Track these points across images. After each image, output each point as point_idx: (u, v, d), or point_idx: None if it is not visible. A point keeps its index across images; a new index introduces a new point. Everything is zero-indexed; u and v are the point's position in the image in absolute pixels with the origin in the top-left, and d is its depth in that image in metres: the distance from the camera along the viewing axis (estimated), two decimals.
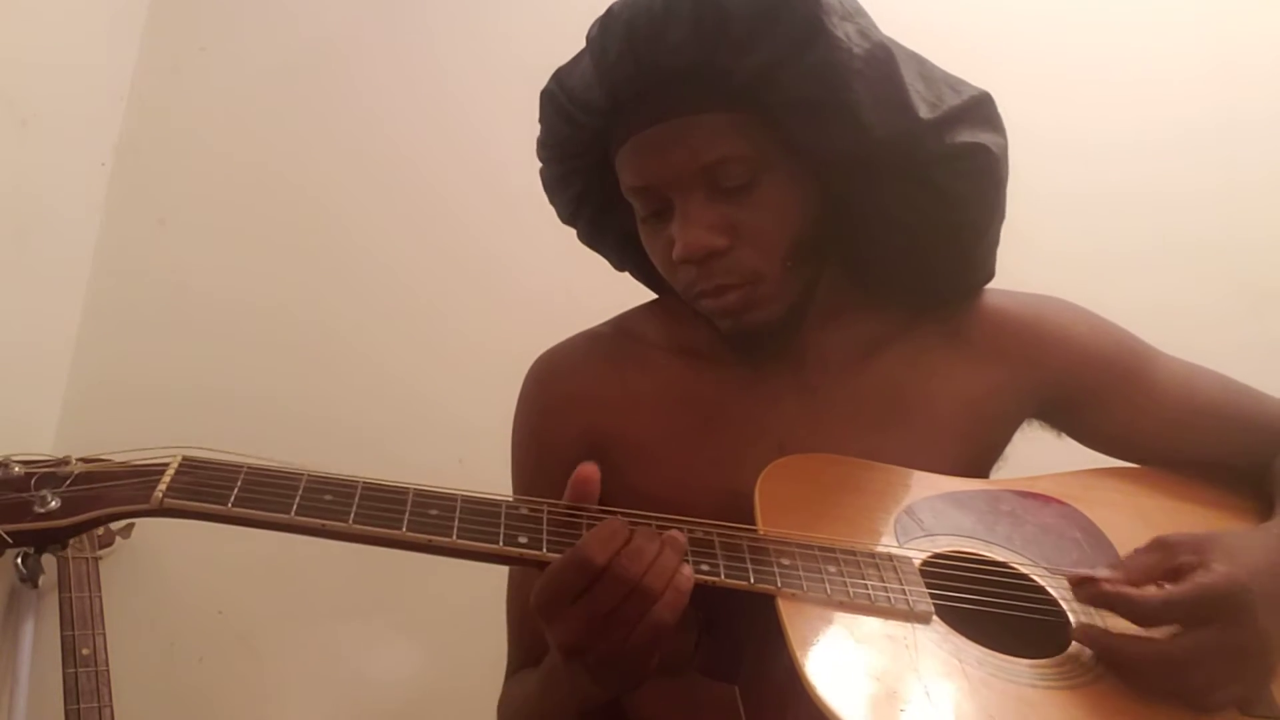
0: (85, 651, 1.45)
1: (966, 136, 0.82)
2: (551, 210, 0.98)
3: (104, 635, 1.49)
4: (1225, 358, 0.96)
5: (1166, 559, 0.73)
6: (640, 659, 0.66)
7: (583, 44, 0.86)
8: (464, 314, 1.80)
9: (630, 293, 1.03)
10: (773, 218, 0.82)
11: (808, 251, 0.84)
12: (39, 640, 1.59)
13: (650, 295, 1.03)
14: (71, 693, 1.42)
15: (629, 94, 0.81)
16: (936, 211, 0.85)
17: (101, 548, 1.57)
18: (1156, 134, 1.78)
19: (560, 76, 0.87)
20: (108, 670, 1.46)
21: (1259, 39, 1.80)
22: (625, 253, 0.98)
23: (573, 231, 1.01)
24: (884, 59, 0.79)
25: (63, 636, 1.46)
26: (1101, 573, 0.73)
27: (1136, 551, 0.76)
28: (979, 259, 0.91)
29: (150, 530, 1.65)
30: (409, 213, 1.84)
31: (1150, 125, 1.78)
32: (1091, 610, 0.75)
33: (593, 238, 0.99)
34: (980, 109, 0.85)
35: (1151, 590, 0.70)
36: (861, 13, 0.82)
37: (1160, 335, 0.96)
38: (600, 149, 0.87)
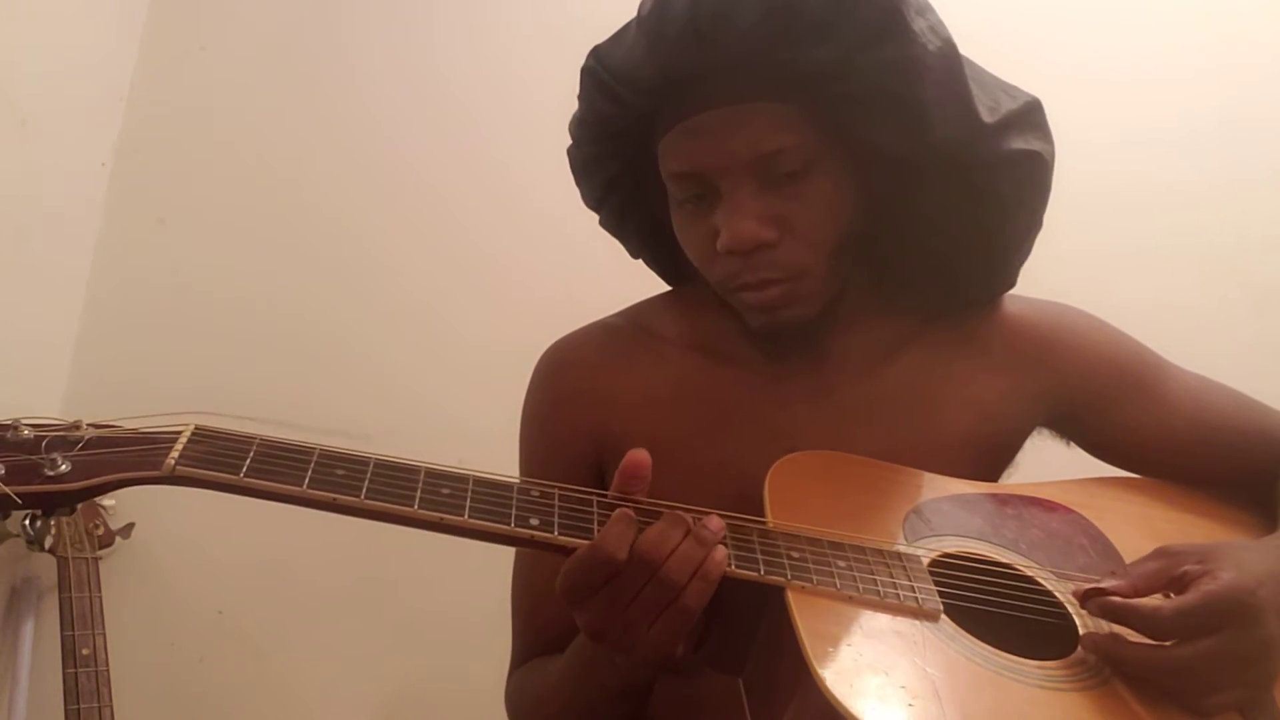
0: (85, 651, 1.45)
1: (1020, 143, 0.81)
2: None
3: (104, 635, 1.48)
4: (1227, 357, 0.96)
5: (1170, 567, 0.72)
6: (665, 642, 0.66)
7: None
8: (464, 314, 1.80)
9: (631, 292, 1.02)
10: (822, 213, 0.80)
11: (849, 249, 0.83)
12: (39, 640, 1.59)
13: (656, 288, 1.01)
14: (71, 693, 1.42)
15: (684, 75, 0.78)
16: (978, 216, 0.83)
17: (101, 548, 1.56)
18: (1160, 133, 1.78)
19: (600, 54, 0.83)
20: (108, 670, 1.45)
21: (1263, 38, 1.81)
22: (646, 241, 0.96)
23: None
24: (953, 57, 0.77)
25: (63, 636, 1.46)
26: (1109, 583, 0.72)
27: (1140, 560, 0.75)
28: (1007, 268, 0.90)
29: (150, 530, 1.66)
30: (409, 213, 1.84)
31: (1153, 125, 1.79)
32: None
33: (615, 224, 0.96)
34: (1033, 115, 0.83)
35: (1161, 602, 0.70)
36: (931, 9, 0.78)
37: (1163, 334, 0.96)
38: (640, 131, 0.84)
